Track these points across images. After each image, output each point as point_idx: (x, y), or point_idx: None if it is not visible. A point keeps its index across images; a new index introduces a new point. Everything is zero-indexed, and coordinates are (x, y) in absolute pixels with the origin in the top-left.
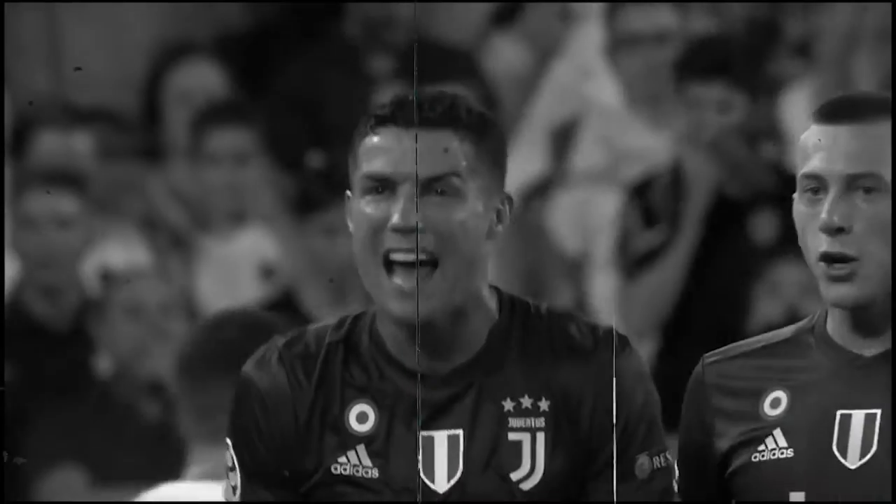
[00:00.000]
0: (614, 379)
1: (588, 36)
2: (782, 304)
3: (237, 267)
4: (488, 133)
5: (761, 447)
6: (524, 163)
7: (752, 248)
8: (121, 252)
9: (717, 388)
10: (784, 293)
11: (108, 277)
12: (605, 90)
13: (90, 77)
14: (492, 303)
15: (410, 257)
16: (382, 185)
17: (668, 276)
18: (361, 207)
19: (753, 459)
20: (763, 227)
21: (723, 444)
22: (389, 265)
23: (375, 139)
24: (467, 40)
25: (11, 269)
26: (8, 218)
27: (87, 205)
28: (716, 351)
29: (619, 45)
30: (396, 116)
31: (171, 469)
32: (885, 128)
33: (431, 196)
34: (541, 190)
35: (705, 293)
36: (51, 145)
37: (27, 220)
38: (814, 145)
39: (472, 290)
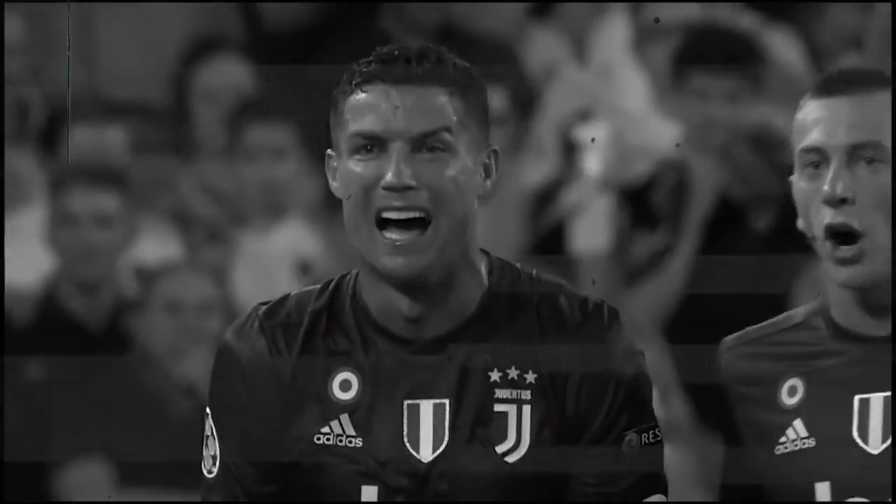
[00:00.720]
0: (602, 353)
1: (612, 31)
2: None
3: (274, 262)
4: (474, 87)
5: (783, 439)
6: (533, 163)
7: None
8: (154, 248)
9: (736, 376)
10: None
11: (142, 273)
12: (629, 88)
13: (122, 72)
14: (482, 267)
15: (404, 215)
16: (372, 144)
17: (669, 281)
18: (350, 167)
19: (777, 453)
20: (764, 225)
21: (746, 435)
22: (382, 223)
23: (363, 97)
24: (506, 32)
25: (47, 264)
26: (45, 213)
27: (129, 202)
28: (731, 336)
29: (644, 38)
30: (383, 73)
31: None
32: (882, 97)
33: (423, 153)
34: (550, 192)
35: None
36: (84, 140)
37: (67, 216)
38: (813, 120)
39: (463, 249)
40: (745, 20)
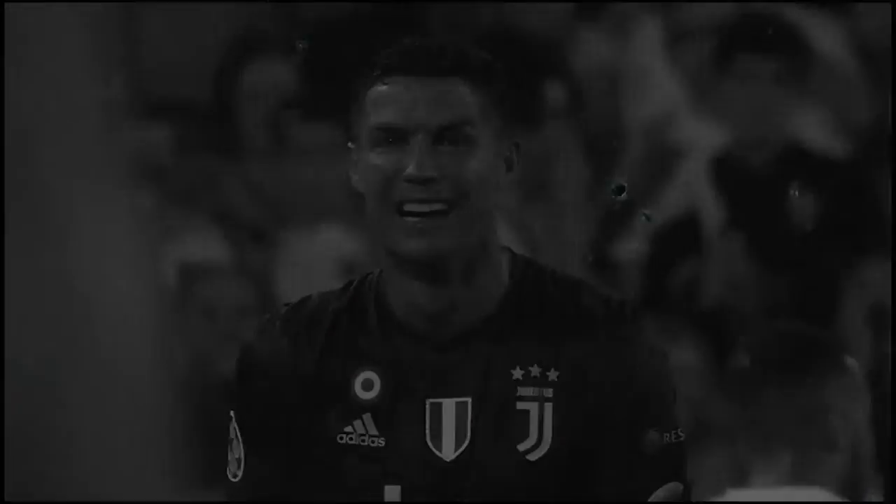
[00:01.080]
0: (625, 351)
1: (647, 33)
2: (869, 302)
3: (318, 263)
4: (496, 80)
5: None
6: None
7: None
8: (199, 247)
9: None
10: (871, 291)
11: (186, 272)
12: (663, 90)
13: (167, 70)
14: (503, 262)
15: (426, 207)
16: (394, 136)
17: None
18: (371, 159)
19: None
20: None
21: None
22: (403, 215)
23: (384, 88)
24: (554, 33)
25: None
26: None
27: (164, 199)
28: None
29: (677, 40)
30: (405, 64)
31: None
32: None
33: (444, 145)
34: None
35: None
36: (127, 138)
37: None
38: None
39: (483, 242)
40: (787, 12)
